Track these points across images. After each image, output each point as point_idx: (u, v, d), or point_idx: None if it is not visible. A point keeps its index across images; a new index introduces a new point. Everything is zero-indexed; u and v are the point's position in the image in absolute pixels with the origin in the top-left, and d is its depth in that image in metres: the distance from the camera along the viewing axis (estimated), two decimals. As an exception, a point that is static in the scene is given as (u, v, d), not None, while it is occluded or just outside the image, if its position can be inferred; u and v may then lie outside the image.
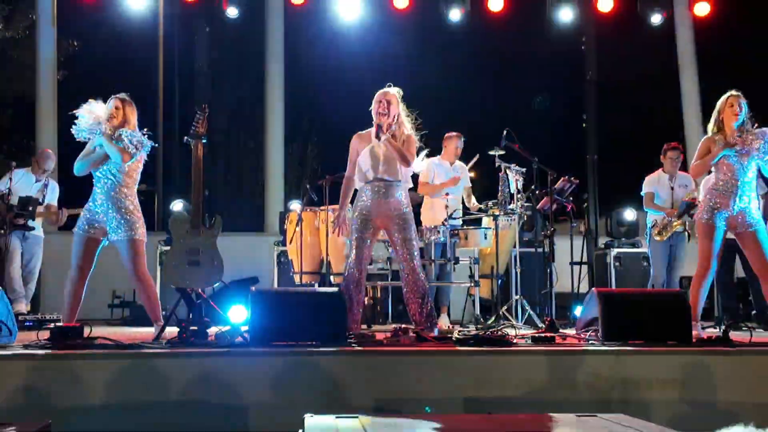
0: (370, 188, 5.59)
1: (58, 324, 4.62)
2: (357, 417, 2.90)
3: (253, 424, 3.92)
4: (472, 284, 7.55)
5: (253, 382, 4.03)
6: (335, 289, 4.87)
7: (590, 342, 4.60)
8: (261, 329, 4.35)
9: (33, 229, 7.35)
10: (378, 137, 5.52)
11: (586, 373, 4.15)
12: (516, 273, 7.97)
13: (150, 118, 11.60)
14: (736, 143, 5.52)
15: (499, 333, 4.46)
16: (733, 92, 5.74)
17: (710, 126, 5.81)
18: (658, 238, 7.58)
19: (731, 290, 7.88)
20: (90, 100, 5.40)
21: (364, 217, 5.56)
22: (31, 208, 7.26)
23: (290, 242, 7.79)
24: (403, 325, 5.18)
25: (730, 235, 6.55)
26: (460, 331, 4.55)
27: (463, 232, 7.54)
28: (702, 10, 10.01)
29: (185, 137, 5.04)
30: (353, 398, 4.05)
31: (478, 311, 7.50)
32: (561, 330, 5.35)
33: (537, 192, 7.14)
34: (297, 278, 7.76)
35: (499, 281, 8.04)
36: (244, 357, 4.14)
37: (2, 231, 7.11)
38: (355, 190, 5.84)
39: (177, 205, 8.28)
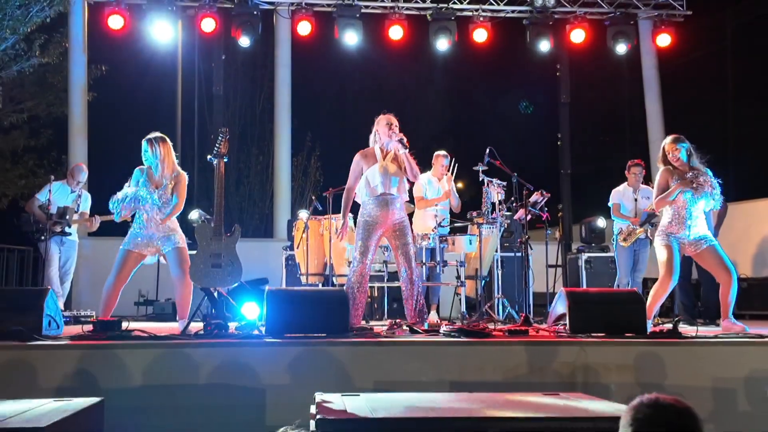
0: (377, 201, 5.82)
1: (100, 319, 4.87)
2: (359, 395, 3.19)
3: (270, 402, 4.20)
4: (459, 284, 7.83)
5: (269, 367, 4.31)
6: (340, 289, 5.14)
7: (559, 334, 4.89)
8: (275, 323, 4.63)
9: (70, 234, 7.62)
10: (405, 153, 5.80)
11: (554, 360, 4.44)
12: (498, 275, 8.28)
13: (171, 138, 11.89)
14: (693, 186, 5.73)
15: (480, 327, 4.74)
16: (670, 139, 5.94)
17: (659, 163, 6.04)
18: (623, 244, 7.88)
19: (689, 290, 8.14)
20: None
21: (369, 227, 5.80)
22: (67, 217, 7.53)
23: (297, 247, 8.07)
24: (398, 320, 5.48)
25: None
26: (446, 325, 4.82)
27: (450, 239, 7.82)
28: (664, 41, 10.32)
29: (209, 156, 5.32)
30: (356, 381, 4.33)
31: (464, 308, 7.79)
32: (535, 324, 5.63)
33: (514, 204, 7.42)
34: (303, 279, 8.05)
35: (483, 282, 8.34)
36: (261, 347, 4.42)
37: (43, 237, 7.39)
38: (355, 202, 6.12)
39: (193, 214, 8.53)
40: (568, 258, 9.85)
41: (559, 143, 10.61)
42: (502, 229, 8.31)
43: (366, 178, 5.86)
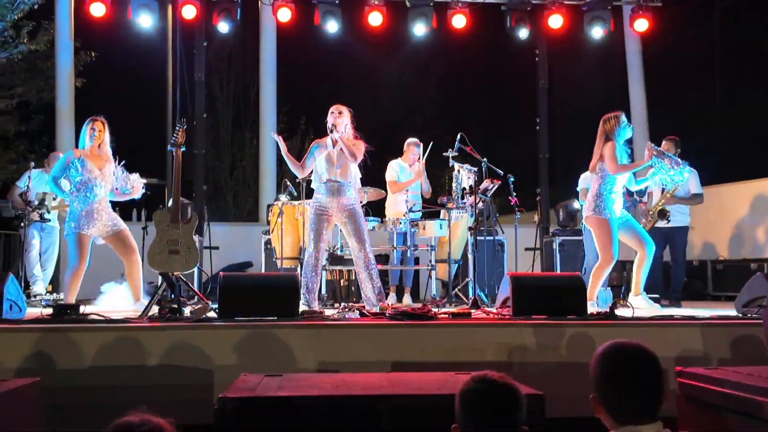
0: (326, 187, 6.07)
1: (59, 302, 5.11)
2: (282, 374, 3.40)
3: (218, 383, 4.42)
4: (430, 268, 8.05)
5: (218, 349, 4.54)
6: (291, 274, 5.35)
7: (502, 317, 5.09)
8: (227, 306, 4.85)
9: (49, 221, 7.85)
10: (333, 137, 6.04)
11: (491, 342, 4.66)
12: (471, 258, 8.48)
13: (162, 125, 12.07)
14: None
15: (425, 309, 4.94)
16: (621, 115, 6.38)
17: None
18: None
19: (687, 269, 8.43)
20: None
21: (320, 213, 6.05)
22: (46, 203, 7.76)
23: (272, 231, 8.29)
24: (351, 303, 5.68)
25: (674, 224, 7.53)
26: (393, 308, 5.02)
27: (421, 223, 8.03)
28: (641, 26, 10.39)
29: (168, 146, 5.54)
30: (301, 362, 4.55)
31: (434, 291, 8.01)
32: (483, 307, 5.82)
33: (464, 192, 7.59)
34: (279, 263, 8.26)
35: (456, 265, 8.54)
36: (212, 329, 4.64)
37: (22, 224, 7.63)
38: (311, 189, 6.36)
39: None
40: (544, 241, 10.02)
41: (537, 128, 10.73)
42: (474, 214, 8.50)
43: (316, 166, 6.10)
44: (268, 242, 9.10)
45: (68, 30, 11.10)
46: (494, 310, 5.48)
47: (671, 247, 8.01)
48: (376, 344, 4.63)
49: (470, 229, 6.92)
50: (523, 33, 10.26)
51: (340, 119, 6.07)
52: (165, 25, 11.46)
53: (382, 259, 8.85)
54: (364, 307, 5.43)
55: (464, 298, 7.97)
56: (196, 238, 8.99)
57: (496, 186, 7.53)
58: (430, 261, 8.16)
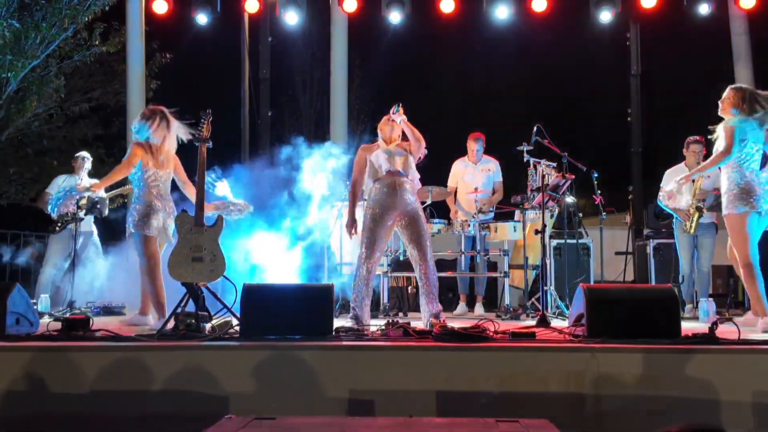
0: (383, 182, 5.33)
1: (66, 317, 4.56)
2: (274, 419, 2.70)
3: (232, 412, 3.75)
4: (502, 275, 7.20)
5: (235, 373, 3.88)
6: (325, 284, 4.64)
7: (576, 338, 4.22)
8: (251, 322, 4.19)
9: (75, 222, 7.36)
10: (393, 118, 5.36)
11: (559, 370, 3.80)
12: (550, 264, 7.58)
13: (236, 124, 11.67)
14: None
15: (477, 329, 4.13)
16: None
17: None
18: (688, 230, 6.94)
19: None
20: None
21: (376, 216, 5.30)
22: (99, 206, 7.35)
23: (331, 234, 7.66)
24: (397, 319, 4.93)
25: None
26: (441, 326, 4.23)
27: (493, 225, 7.22)
28: (747, 3, 9.21)
29: (194, 140, 4.94)
30: (329, 391, 3.84)
31: (507, 301, 7.14)
32: (555, 324, 4.95)
33: (531, 190, 6.69)
34: (340, 269, 7.62)
35: (534, 272, 7.66)
36: (227, 350, 3.98)
37: (57, 228, 7.38)
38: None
39: None
40: (637, 245, 8.97)
41: (629, 119, 9.66)
42: (555, 214, 7.58)
43: (370, 162, 5.39)
44: (329, 247, 8.49)
45: (138, 32, 10.79)
46: (563, 328, 4.60)
47: None
48: (417, 370, 3.86)
49: (537, 232, 6.00)
50: (605, 16, 9.25)
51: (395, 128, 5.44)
52: (242, 23, 11.05)
53: (450, 264, 8.05)
54: (409, 324, 4.63)
55: (543, 310, 7.06)
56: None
57: (569, 182, 6.58)
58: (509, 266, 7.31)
